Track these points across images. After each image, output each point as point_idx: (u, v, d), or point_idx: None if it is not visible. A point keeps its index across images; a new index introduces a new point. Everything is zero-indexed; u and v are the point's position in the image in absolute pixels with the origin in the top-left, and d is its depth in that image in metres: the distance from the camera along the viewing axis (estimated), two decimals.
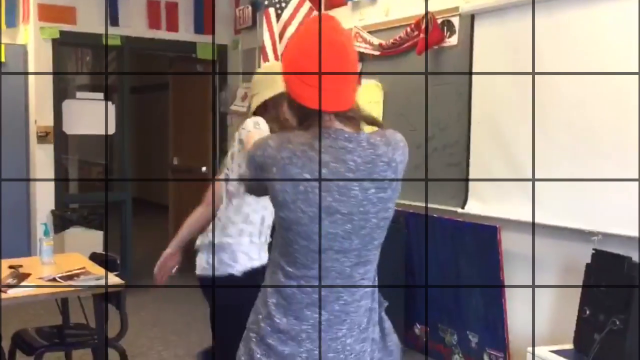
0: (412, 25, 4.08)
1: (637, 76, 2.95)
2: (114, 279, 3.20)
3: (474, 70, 3.77)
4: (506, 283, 3.49)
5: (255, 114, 2.52)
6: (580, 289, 2.99)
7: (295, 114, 1.68)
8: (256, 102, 2.55)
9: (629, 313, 2.67)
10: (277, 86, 2.39)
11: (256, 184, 1.68)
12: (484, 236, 3.57)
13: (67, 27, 5.71)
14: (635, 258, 2.80)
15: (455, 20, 3.91)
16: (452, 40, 3.94)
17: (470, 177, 3.82)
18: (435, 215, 3.95)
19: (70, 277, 3.18)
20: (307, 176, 1.58)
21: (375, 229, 1.69)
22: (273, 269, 1.69)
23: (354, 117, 1.67)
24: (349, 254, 1.65)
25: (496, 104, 3.66)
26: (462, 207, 3.85)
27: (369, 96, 4.58)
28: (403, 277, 4.10)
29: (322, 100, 1.62)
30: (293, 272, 1.64)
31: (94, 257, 3.66)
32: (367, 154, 1.64)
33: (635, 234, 2.92)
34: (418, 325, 4.13)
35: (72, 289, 3.11)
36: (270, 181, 1.61)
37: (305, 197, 1.58)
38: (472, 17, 3.76)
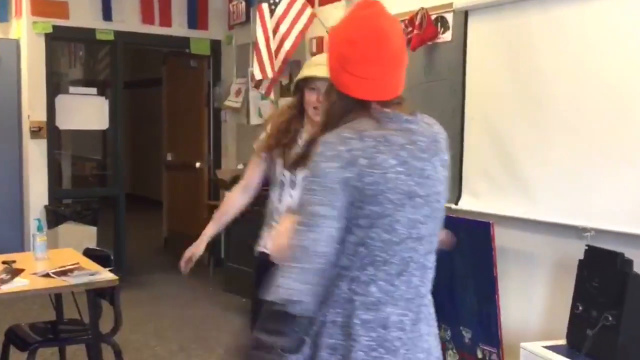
0: (406, 21, 4.08)
1: (632, 73, 2.96)
2: (107, 275, 3.20)
3: (467, 66, 3.78)
4: (499, 279, 3.50)
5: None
6: (573, 285, 3.01)
7: (341, 105, 1.63)
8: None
9: (622, 309, 2.69)
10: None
11: (342, 181, 1.54)
12: (478, 232, 3.58)
13: (60, 22, 5.69)
14: (627, 254, 2.82)
15: (449, 17, 3.92)
16: (446, 36, 3.94)
17: (464, 173, 3.82)
18: None
19: (64, 273, 3.17)
20: (393, 162, 1.54)
21: (442, 211, 1.68)
22: (342, 289, 1.58)
23: (400, 102, 1.66)
24: (423, 240, 1.62)
25: (490, 100, 3.66)
26: (456, 203, 3.86)
27: None
28: None
29: (374, 90, 1.60)
30: (373, 274, 1.56)
31: (87, 253, 3.65)
32: (429, 133, 1.65)
33: (627, 230, 2.94)
34: None
35: (66, 284, 3.11)
36: (361, 175, 1.52)
37: (393, 184, 1.54)
38: (466, 14, 3.77)
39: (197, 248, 2.66)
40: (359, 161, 1.52)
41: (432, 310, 1.72)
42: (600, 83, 3.09)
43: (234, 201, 2.74)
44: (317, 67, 2.51)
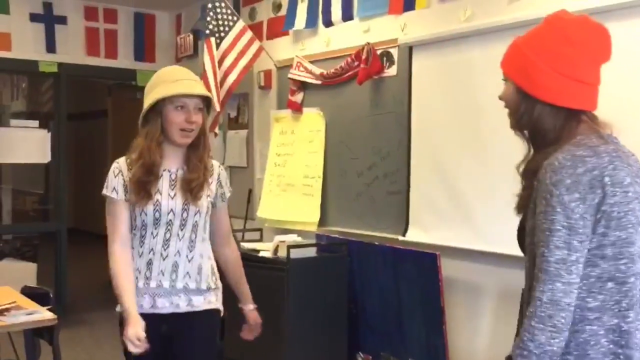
0: (353, 56, 4.15)
1: None
2: (46, 314, 3.08)
3: (413, 99, 3.85)
4: (446, 309, 3.53)
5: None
6: (517, 314, 3.05)
7: (552, 118, 1.42)
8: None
9: None
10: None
11: (590, 211, 1.35)
12: (425, 263, 3.61)
13: (1, 54, 5.56)
14: None
15: (394, 52, 4.00)
16: (392, 71, 4.02)
17: (411, 205, 3.87)
18: (376, 243, 3.98)
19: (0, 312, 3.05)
20: (629, 180, 1.37)
21: None
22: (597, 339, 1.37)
23: (597, 116, 1.47)
24: None
25: (435, 133, 3.74)
26: (403, 235, 3.89)
27: (312, 125, 4.61)
28: (346, 304, 4.10)
29: (590, 98, 1.42)
30: (634, 318, 1.37)
31: (26, 291, 3.52)
32: (635, 159, 1.47)
33: None
34: (362, 354, 4.12)
35: (2, 324, 2.98)
36: (606, 195, 1.34)
37: (632, 206, 1.37)
38: (410, 49, 3.85)
39: (139, 326, 2.20)
40: (603, 180, 1.35)
41: None
42: None
43: (128, 260, 2.30)
44: (179, 82, 2.27)
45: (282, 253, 4.01)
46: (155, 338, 2.22)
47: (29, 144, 5.83)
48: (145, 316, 2.24)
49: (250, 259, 4.28)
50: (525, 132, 1.51)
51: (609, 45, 1.45)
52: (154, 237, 2.30)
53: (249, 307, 2.60)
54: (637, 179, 1.41)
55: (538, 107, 1.44)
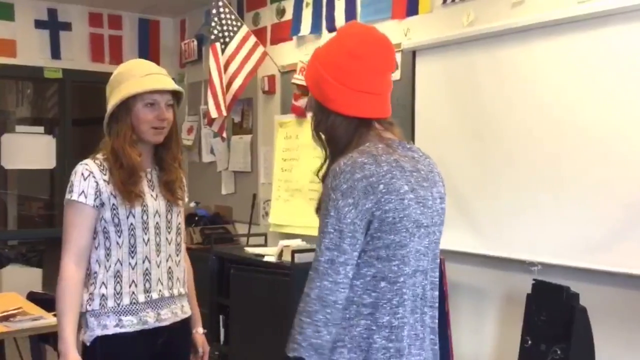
0: None
1: (573, 108, 3.06)
2: (51, 319, 3.10)
3: (416, 104, 3.85)
4: (451, 313, 3.53)
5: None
6: (522, 319, 3.05)
7: (344, 127, 1.51)
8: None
9: (569, 342, 2.73)
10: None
11: (360, 216, 1.43)
12: None
13: (7, 60, 5.59)
14: (573, 287, 2.88)
15: (398, 56, 4.00)
16: (395, 76, 4.02)
17: None
18: None
19: (5, 318, 3.07)
20: (407, 188, 1.46)
21: (438, 244, 1.61)
22: (365, 332, 1.46)
23: (392, 122, 1.59)
24: (427, 274, 1.54)
25: (439, 137, 3.74)
26: None
27: None
28: None
29: (378, 106, 1.52)
30: (402, 315, 1.46)
31: (31, 296, 3.54)
32: (426, 163, 1.60)
33: (572, 263, 3.00)
34: None
35: (8, 330, 2.99)
36: (380, 202, 1.43)
37: (408, 212, 1.46)
38: (414, 54, 3.86)
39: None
40: (378, 188, 1.43)
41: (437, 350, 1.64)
42: (542, 119, 3.18)
43: (80, 281, 2.10)
44: (149, 77, 2.11)
45: (286, 258, 4.01)
46: (145, 357, 2.11)
47: (34, 150, 5.86)
48: (148, 332, 2.11)
49: (254, 264, 4.30)
50: (323, 139, 1.60)
51: (391, 55, 1.55)
52: (146, 244, 2.11)
53: (200, 331, 2.35)
54: (419, 185, 1.51)
55: (332, 117, 1.52)
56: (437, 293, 1.60)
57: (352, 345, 1.46)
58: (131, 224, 2.08)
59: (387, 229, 1.44)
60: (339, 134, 1.53)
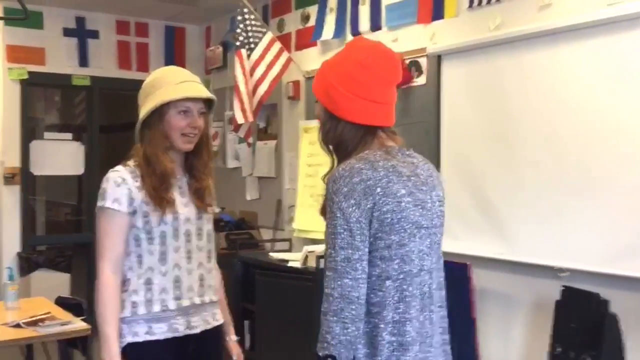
0: None
1: (601, 112, 3.02)
2: (79, 324, 3.13)
3: (442, 108, 3.83)
4: (478, 320, 3.49)
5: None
6: (551, 325, 3.01)
7: (351, 134, 1.61)
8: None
9: (600, 350, 2.69)
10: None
11: (363, 215, 1.53)
12: (456, 273, 3.57)
13: (36, 68, 5.68)
14: (602, 294, 2.83)
15: (423, 61, 3.99)
16: (420, 80, 4.01)
17: None
18: None
19: (34, 323, 3.10)
20: (403, 192, 1.56)
21: (440, 245, 1.68)
22: (376, 330, 1.55)
23: (395, 132, 1.69)
24: (432, 274, 1.62)
25: (465, 142, 3.71)
26: None
27: None
28: None
29: (384, 115, 1.63)
30: (404, 311, 1.55)
31: (60, 301, 3.58)
32: (426, 168, 1.68)
33: (602, 270, 2.96)
34: None
35: (37, 334, 3.03)
36: (378, 204, 1.52)
37: (406, 214, 1.55)
38: (439, 58, 3.84)
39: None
40: (375, 191, 1.52)
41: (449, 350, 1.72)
42: (570, 124, 3.14)
43: (118, 288, 2.07)
44: (184, 85, 2.12)
45: (311, 263, 4.01)
46: (180, 347, 2.10)
47: (62, 156, 5.94)
48: (178, 340, 2.10)
49: (279, 269, 4.30)
50: (331, 146, 1.70)
51: (397, 68, 1.66)
52: (176, 251, 2.10)
53: (233, 339, 2.33)
54: (417, 189, 1.59)
55: (341, 124, 1.62)
56: (444, 293, 1.67)
57: (364, 342, 1.54)
58: (162, 231, 2.07)
59: (387, 230, 1.53)
60: (348, 140, 1.63)
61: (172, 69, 2.27)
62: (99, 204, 2.07)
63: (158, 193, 2.06)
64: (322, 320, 1.52)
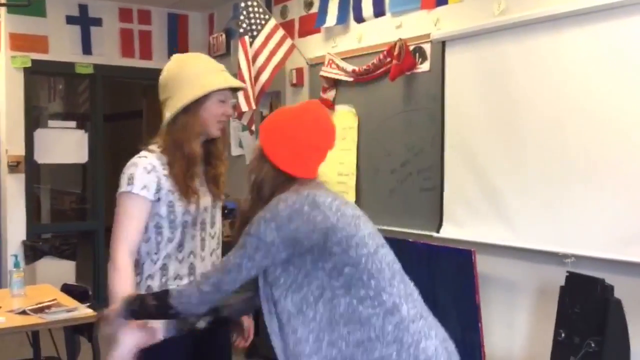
0: (385, 52, 4.13)
1: (606, 97, 3.01)
2: (85, 311, 3.14)
3: (446, 95, 3.82)
4: (482, 306, 3.50)
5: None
6: (555, 311, 3.01)
7: (276, 179, 1.76)
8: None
9: (604, 335, 2.69)
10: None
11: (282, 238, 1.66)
12: (460, 260, 3.57)
13: (39, 56, 5.68)
14: (608, 280, 2.83)
15: (427, 47, 3.97)
16: (424, 67, 3.99)
17: (445, 201, 3.84)
18: (410, 239, 3.96)
19: (40, 310, 3.12)
20: (329, 200, 1.72)
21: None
22: (349, 309, 1.66)
23: (320, 182, 1.86)
24: (388, 248, 1.80)
25: (469, 128, 3.70)
26: (438, 232, 3.86)
27: (344, 122, 4.61)
28: None
29: (311, 170, 1.79)
30: (374, 285, 1.67)
31: (65, 288, 3.60)
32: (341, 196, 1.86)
33: (607, 255, 2.95)
34: None
35: (43, 321, 3.05)
36: (307, 221, 1.65)
37: (342, 212, 1.70)
38: (443, 44, 3.82)
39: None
40: (303, 209, 1.64)
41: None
42: (575, 109, 3.13)
43: (132, 274, 2.05)
44: (224, 74, 2.16)
45: None
46: (186, 345, 2.13)
47: (66, 145, 5.94)
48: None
49: None
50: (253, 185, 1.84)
51: (332, 135, 1.83)
52: (193, 239, 2.11)
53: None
54: (335, 198, 1.74)
55: (266, 167, 1.77)
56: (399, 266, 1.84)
57: (344, 320, 1.65)
58: (185, 220, 2.08)
59: (339, 228, 1.65)
60: (267, 182, 1.77)
61: (204, 57, 2.26)
62: (126, 188, 2.04)
63: (185, 181, 2.06)
64: (194, 284, 1.75)
